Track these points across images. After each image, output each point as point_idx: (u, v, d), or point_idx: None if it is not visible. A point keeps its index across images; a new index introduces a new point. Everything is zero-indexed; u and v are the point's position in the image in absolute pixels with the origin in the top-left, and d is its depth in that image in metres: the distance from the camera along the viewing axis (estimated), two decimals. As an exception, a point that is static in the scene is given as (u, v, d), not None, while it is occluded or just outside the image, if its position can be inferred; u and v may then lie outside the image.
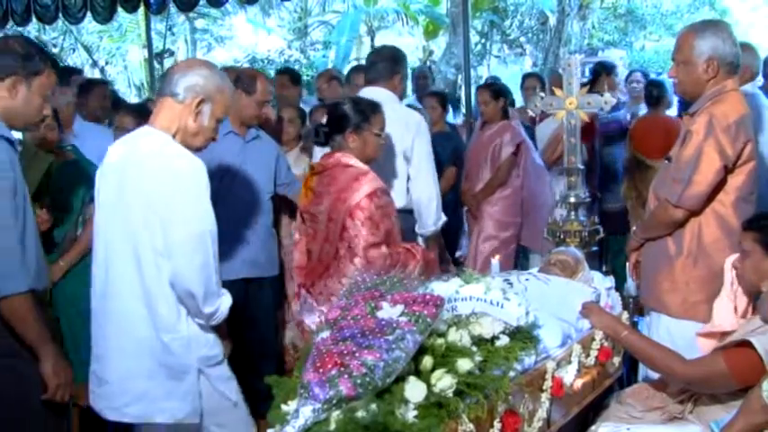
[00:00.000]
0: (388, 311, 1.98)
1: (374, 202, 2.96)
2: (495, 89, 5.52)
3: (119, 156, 2.49)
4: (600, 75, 5.83)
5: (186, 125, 2.45)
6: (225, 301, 2.46)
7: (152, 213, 2.34)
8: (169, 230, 2.33)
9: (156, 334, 2.39)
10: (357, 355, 1.84)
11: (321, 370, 1.82)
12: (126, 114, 3.82)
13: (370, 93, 3.63)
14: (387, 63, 3.83)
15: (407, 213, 3.65)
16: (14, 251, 2.31)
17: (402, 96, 3.94)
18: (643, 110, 6.40)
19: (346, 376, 1.80)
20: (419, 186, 3.68)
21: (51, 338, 2.43)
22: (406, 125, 3.65)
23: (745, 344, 2.30)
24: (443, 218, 3.77)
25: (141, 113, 3.58)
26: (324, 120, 3.28)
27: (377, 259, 2.91)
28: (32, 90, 2.41)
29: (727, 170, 2.87)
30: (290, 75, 6.08)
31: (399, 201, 3.51)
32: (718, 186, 2.88)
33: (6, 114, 2.40)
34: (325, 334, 1.98)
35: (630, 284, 3.30)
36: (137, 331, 2.41)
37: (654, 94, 5.40)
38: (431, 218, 3.69)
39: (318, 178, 3.12)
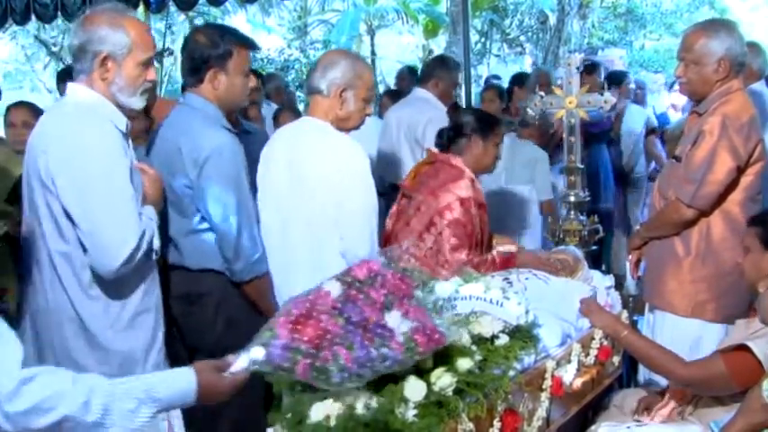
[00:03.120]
0: (395, 321, 1.86)
1: (464, 206, 3.11)
2: (502, 89, 5.65)
3: (285, 143, 2.84)
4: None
5: (337, 114, 2.78)
6: None
7: (327, 191, 2.68)
8: (342, 206, 2.66)
9: None
10: (335, 347, 1.74)
11: (295, 333, 1.71)
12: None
13: (414, 92, 4.75)
14: (428, 69, 4.77)
15: None
16: (256, 235, 2.66)
17: (445, 97, 4.61)
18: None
19: (309, 360, 1.71)
20: None
21: None
22: (420, 116, 4.38)
23: (744, 348, 2.30)
24: None
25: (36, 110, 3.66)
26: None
27: (459, 262, 3.03)
28: (230, 74, 2.66)
29: (740, 170, 2.88)
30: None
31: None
32: (729, 186, 2.89)
33: (218, 103, 2.67)
34: (336, 291, 1.85)
35: (630, 283, 3.30)
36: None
37: None
38: None
39: (426, 168, 3.31)
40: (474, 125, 3.30)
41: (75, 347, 2.27)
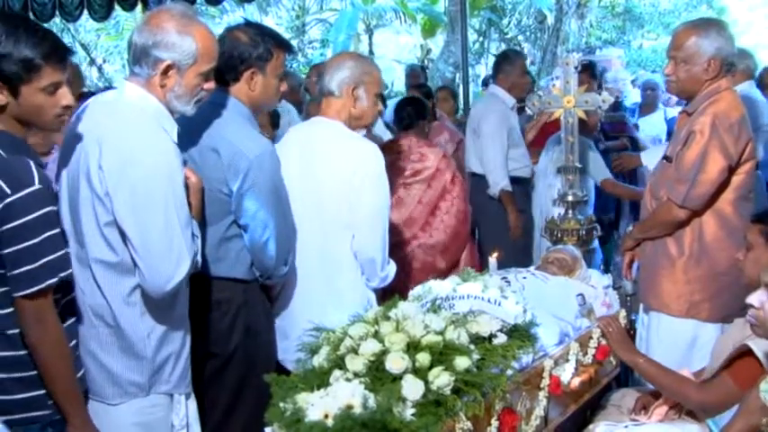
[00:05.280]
0: None
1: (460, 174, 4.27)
2: (425, 91, 5.76)
3: (298, 143, 2.85)
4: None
5: (350, 112, 2.83)
6: (392, 268, 2.86)
7: (340, 191, 2.71)
8: (356, 206, 2.70)
9: (332, 297, 2.73)
10: None
11: None
12: None
13: (489, 88, 5.29)
14: (495, 66, 5.19)
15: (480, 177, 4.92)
16: (294, 243, 2.67)
17: (516, 90, 5.02)
18: None
19: None
20: (482, 156, 4.85)
21: None
22: (480, 109, 5.02)
23: (745, 352, 2.29)
24: (502, 184, 4.74)
25: None
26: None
27: (467, 210, 4.14)
28: (267, 75, 2.60)
29: (731, 170, 2.88)
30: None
31: (474, 166, 4.96)
32: (721, 186, 2.89)
33: (250, 104, 2.61)
34: None
35: (627, 282, 3.30)
36: (315, 294, 2.76)
37: None
38: (490, 182, 4.80)
39: (404, 155, 4.03)
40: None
41: (109, 353, 2.21)
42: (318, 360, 2.13)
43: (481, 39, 18.11)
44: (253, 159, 2.45)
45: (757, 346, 2.26)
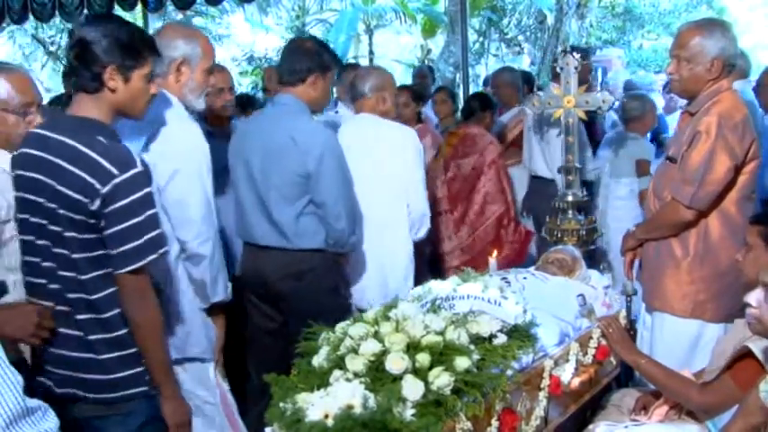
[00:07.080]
0: None
1: (503, 160, 4.94)
2: (417, 92, 5.60)
3: (356, 135, 3.46)
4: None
5: (380, 110, 3.54)
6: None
7: (396, 167, 3.44)
8: (409, 177, 3.47)
9: (389, 250, 3.46)
10: None
11: None
12: None
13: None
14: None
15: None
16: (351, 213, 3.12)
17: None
18: None
19: None
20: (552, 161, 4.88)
21: None
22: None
23: (746, 354, 2.29)
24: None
25: None
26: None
27: (496, 193, 4.81)
28: (326, 81, 3.16)
29: (737, 169, 2.88)
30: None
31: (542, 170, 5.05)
32: (726, 186, 2.89)
33: (311, 104, 3.13)
34: None
35: (628, 282, 3.30)
36: (375, 251, 3.45)
37: None
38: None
39: (460, 139, 4.92)
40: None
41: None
42: (318, 360, 2.13)
43: (481, 39, 18.09)
44: (324, 143, 3.02)
45: (757, 346, 2.25)
